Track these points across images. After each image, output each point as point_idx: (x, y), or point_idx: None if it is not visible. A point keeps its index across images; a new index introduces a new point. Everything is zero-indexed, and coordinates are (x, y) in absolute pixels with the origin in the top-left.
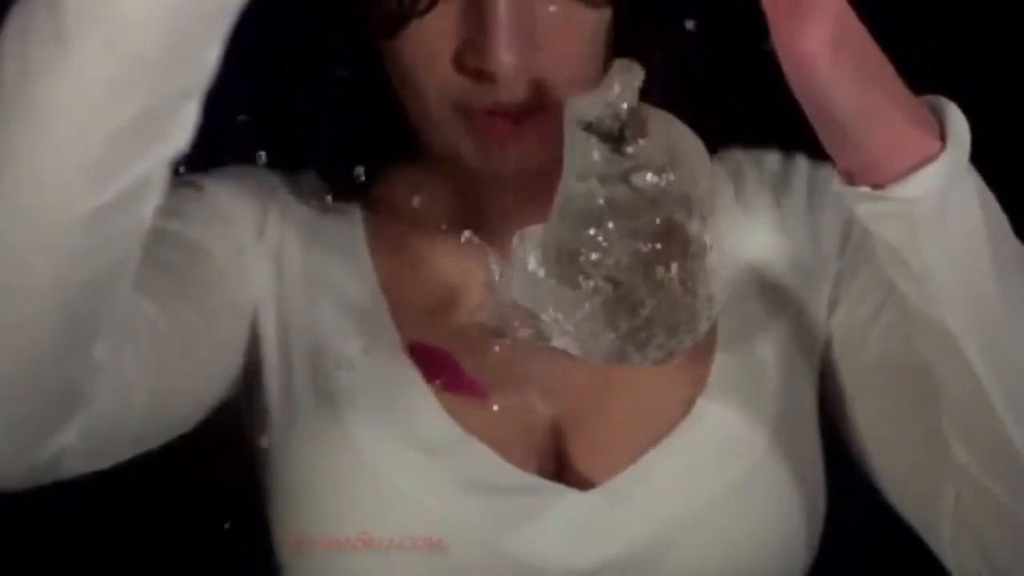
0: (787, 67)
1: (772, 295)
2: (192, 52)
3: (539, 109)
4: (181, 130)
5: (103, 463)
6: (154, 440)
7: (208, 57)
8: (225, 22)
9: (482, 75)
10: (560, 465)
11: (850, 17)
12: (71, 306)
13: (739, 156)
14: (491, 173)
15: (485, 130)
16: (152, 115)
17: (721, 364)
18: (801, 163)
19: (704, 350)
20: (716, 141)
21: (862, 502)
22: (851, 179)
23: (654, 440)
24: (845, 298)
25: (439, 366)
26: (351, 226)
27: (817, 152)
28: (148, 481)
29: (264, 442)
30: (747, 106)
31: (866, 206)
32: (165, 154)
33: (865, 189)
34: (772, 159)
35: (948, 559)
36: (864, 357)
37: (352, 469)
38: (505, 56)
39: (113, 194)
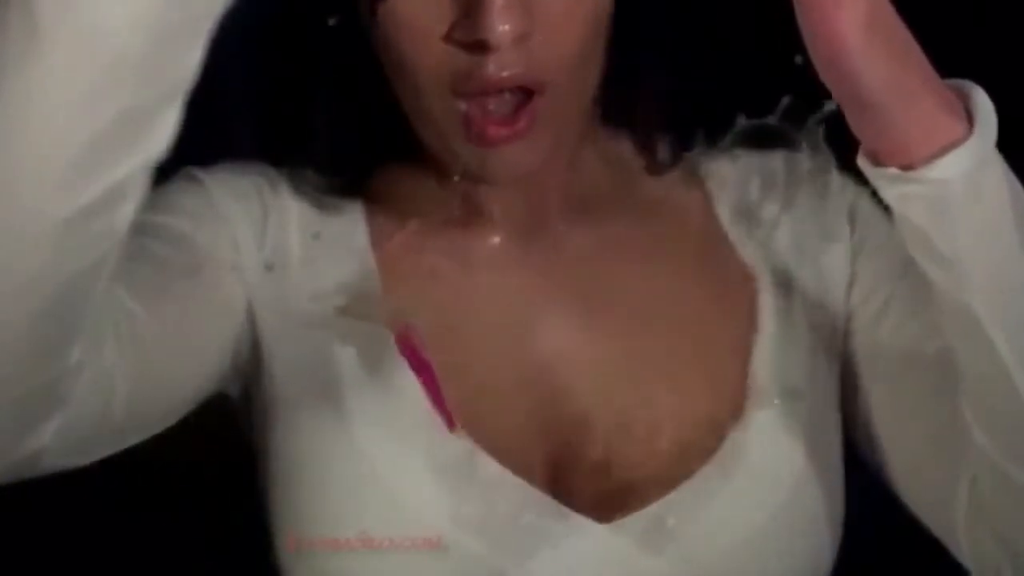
0: (817, 48)
1: (794, 306)
2: (173, 56)
3: (531, 100)
4: (161, 135)
5: (83, 460)
6: (135, 437)
7: (190, 60)
8: (207, 24)
9: (476, 46)
10: (578, 489)
11: None
12: (46, 310)
13: (743, 156)
14: (487, 179)
15: (478, 133)
16: (131, 120)
17: (756, 393)
18: (804, 160)
19: (737, 377)
20: (719, 139)
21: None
22: (877, 161)
23: (683, 474)
24: (853, 294)
25: (422, 374)
26: (353, 224)
27: (818, 151)
28: (146, 481)
29: (263, 442)
30: (750, 102)
31: (895, 188)
32: (144, 158)
33: (894, 171)
34: (775, 158)
35: (964, 552)
36: (874, 352)
37: (353, 469)
38: (499, 24)
39: (90, 199)
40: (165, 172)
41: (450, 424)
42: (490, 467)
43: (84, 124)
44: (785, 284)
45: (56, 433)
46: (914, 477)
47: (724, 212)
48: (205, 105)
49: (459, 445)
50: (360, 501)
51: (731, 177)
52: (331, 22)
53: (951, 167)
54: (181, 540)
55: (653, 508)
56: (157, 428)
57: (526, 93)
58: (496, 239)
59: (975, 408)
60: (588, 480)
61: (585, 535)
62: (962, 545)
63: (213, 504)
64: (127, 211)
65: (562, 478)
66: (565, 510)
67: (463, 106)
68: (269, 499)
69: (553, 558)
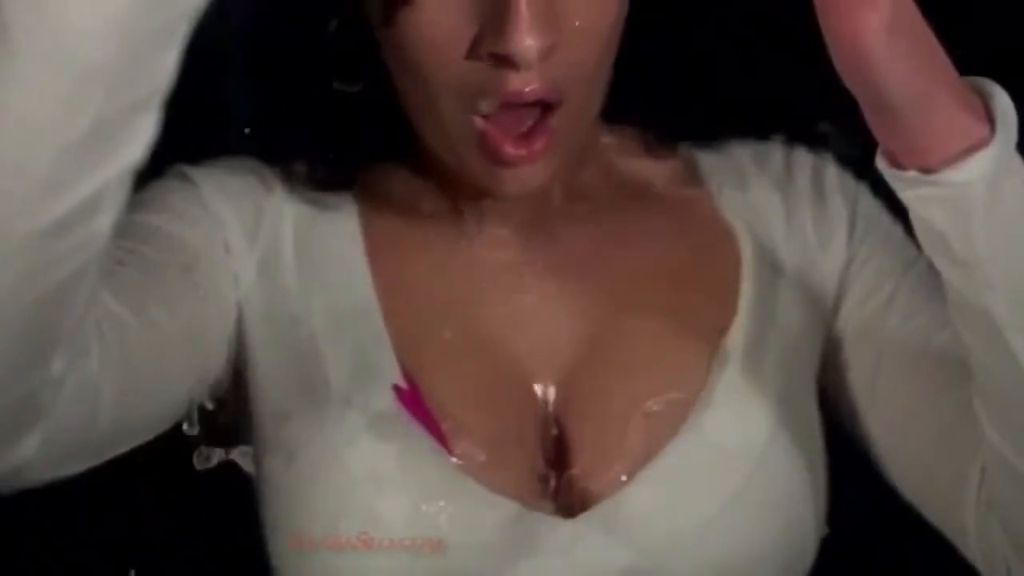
0: (838, 50)
1: (778, 294)
2: (148, 62)
3: (547, 114)
4: (139, 142)
5: (69, 470)
6: (123, 445)
7: (165, 66)
8: (183, 28)
9: (500, 60)
10: (551, 488)
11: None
12: (24, 323)
13: (741, 152)
14: (497, 193)
15: (495, 151)
16: (106, 129)
17: (721, 371)
18: (803, 156)
19: (705, 357)
20: (717, 136)
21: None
22: (896, 162)
23: (645, 457)
24: (854, 291)
25: (417, 410)
26: (348, 224)
27: (818, 146)
28: (146, 481)
29: (257, 442)
30: (749, 101)
31: (913, 190)
32: (120, 167)
33: (914, 173)
34: (774, 154)
35: (973, 548)
36: (878, 348)
37: (351, 468)
38: (527, 39)
39: (66, 209)
40: (157, 169)
41: (449, 452)
42: (470, 488)
43: (57, 133)
44: (776, 273)
45: (40, 445)
46: (922, 473)
47: (723, 205)
48: (200, 101)
49: (445, 468)
50: (360, 499)
51: (731, 172)
52: (334, 23)
53: (972, 170)
54: (181, 540)
55: (610, 498)
56: (145, 437)
57: (542, 107)
58: (495, 240)
59: (988, 406)
60: (560, 478)
61: (556, 536)
62: (971, 541)
63: (213, 504)
64: (105, 221)
65: (540, 479)
66: (543, 517)
67: (479, 121)
68: (266, 498)
69: (534, 564)
